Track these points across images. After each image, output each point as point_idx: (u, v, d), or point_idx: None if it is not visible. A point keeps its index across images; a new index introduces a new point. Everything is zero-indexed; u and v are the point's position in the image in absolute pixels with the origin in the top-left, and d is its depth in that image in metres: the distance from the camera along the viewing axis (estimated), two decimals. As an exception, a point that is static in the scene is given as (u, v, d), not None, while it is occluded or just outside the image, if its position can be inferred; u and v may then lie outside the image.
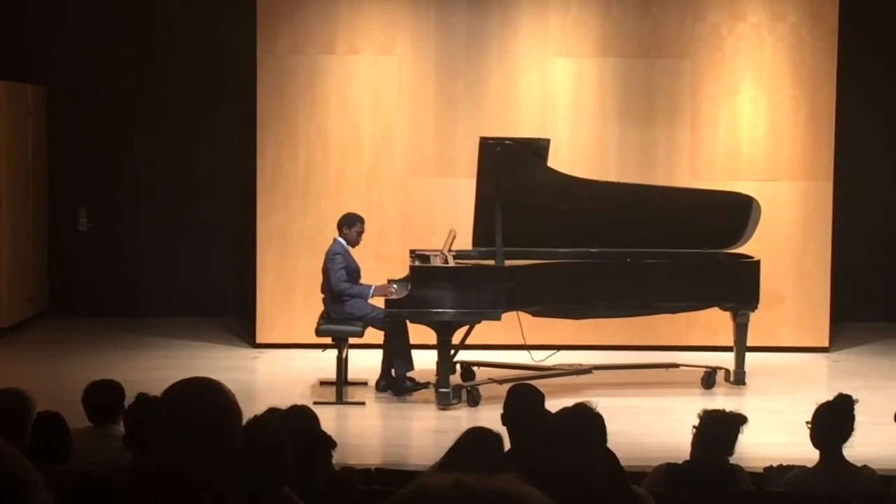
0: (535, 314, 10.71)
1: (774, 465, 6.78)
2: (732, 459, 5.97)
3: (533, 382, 6.98)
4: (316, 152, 12.76)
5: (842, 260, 13.23)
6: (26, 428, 5.58)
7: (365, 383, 10.89)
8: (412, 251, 11.22)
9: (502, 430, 5.60)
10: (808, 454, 6.29)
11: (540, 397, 6.25)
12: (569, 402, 5.53)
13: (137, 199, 14.19)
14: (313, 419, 5.68)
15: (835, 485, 5.86)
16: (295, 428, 4.97)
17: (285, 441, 4.28)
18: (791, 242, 12.84)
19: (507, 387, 6.66)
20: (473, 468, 1.75)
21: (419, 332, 10.56)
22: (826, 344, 12.87)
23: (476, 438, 4.71)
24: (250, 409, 5.39)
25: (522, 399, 6.26)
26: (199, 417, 2.75)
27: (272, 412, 5.61)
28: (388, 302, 10.37)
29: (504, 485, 1.66)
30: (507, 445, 5.43)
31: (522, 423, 5.99)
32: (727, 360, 11.13)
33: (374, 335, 10.69)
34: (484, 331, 10.78)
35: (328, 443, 5.10)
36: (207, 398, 2.81)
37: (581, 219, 10.92)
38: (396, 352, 10.63)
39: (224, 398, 2.81)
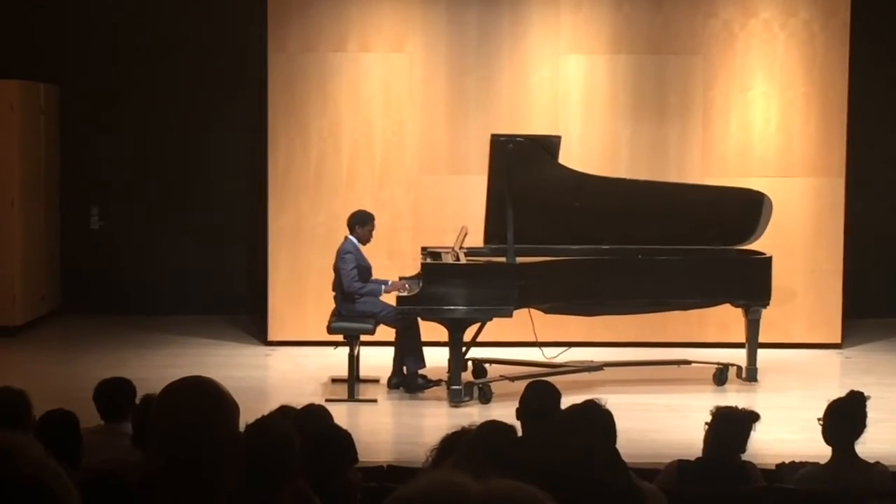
0: (546, 311, 10.70)
1: (787, 461, 6.77)
2: (745, 456, 5.96)
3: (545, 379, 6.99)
4: (327, 150, 12.77)
5: (854, 256, 13.21)
6: (28, 423, 5.59)
7: (377, 381, 10.89)
8: (423, 248, 11.23)
9: (516, 425, 5.60)
10: (820, 451, 6.28)
11: (557, 395, 6.27)
12: (580, 398, 5.53)
13: (149, 196, 14.22)
14: (328, 417, 5.70)
15: (847, 481, 5.85)
16: (309, 427, 4.98)
17: (291, 437, 4.28)
18: (803, 239, 12.82)
19: (518, 384, 6.69)
20: (487, 461, 1.76)
21: (431, 330, 10.57)
22: (838, 340, 12.84)
23: (490, 431, 4.71)
24: (262, 407, 5.40)
25: (540, 395, 6.28)
26: (191, 410, 2.77)
27: (283, 410, 5.62)
28: (399, 299, 10.37)
29: (506, 487, 1.67)
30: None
31: (537, 419, 6.00)
32: (739, 356, 11.11)
33: (386, 332, 10.70)
34: (495, 328, 10.78)
35: (353, 458, 5.10)
36: (198, 392, 2.83)
37: (592, 216, 10.91)
38: (408, 349, 10.63)
39: (216, 391, 2.83)
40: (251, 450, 4.15)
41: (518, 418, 6.05)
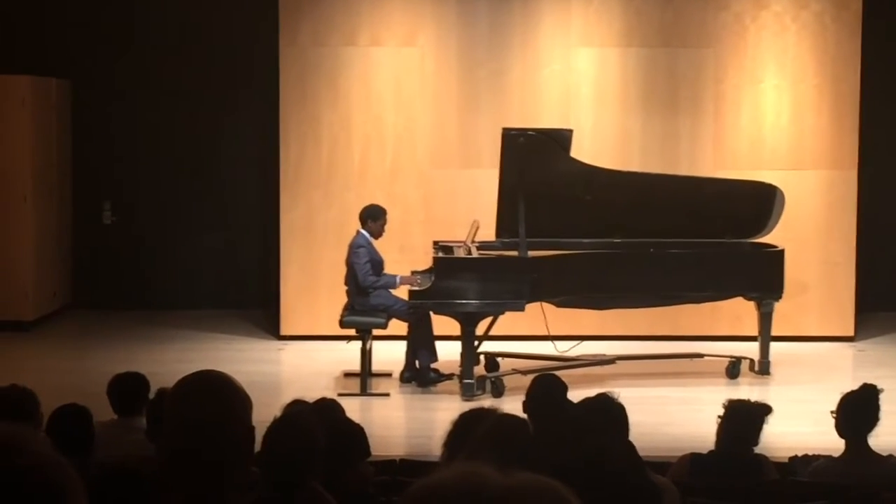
0: (558, 305, 10.70)
1: (800, 454, 6.77)
2: (758, 449, 5.96)
3: (557, 373, 7.01)
4: (339, 144, 12.77)
5: (867, 249, 13.17)
6: (34, 420, 5.59)
7: (389, 375, 10.90)
8: (435, 242, 11.23)
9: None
10: (833, 444, 6.27)
11: (563, 387, 6.29)
12: (593, 392, 5.53)
13: (161, 191, 14.23)
14: (340, 411, 5.71)
15: (860, 474, 5.84)
16: (321, 421, 4.99)
17: (317, 437, 4.28)
18: (815, 231, 12.79)
19: (531, 377, 6.70)
20: (500, 456, 1.76)
21: (443, 324, 10.57)
22: (851, 333, 12.82)
23: (503, 425, 4.71)
24: (275, 401, 5.41)
25: (546, 388, 6.29)
26: (204, 405, 2.78)
27: (298, 404, 5.62)
28: (411, 293, 10.37)
29: (528, 480, 1.66)
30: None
31: (544, 412, 6.01)
32: (752, 349, 11.10)
33: (398, 327, 10.70)
34: (508, 321, 10.77)
35: (365, 451, 5.11)
36: (211, 386, 2.84)
37: (604, 209, 10.90)
38: (420, 343, 10.64)
39: (228, 385, 2.84)
40: (275, 443, 4.16)
41: (525, 411, 6.06)
